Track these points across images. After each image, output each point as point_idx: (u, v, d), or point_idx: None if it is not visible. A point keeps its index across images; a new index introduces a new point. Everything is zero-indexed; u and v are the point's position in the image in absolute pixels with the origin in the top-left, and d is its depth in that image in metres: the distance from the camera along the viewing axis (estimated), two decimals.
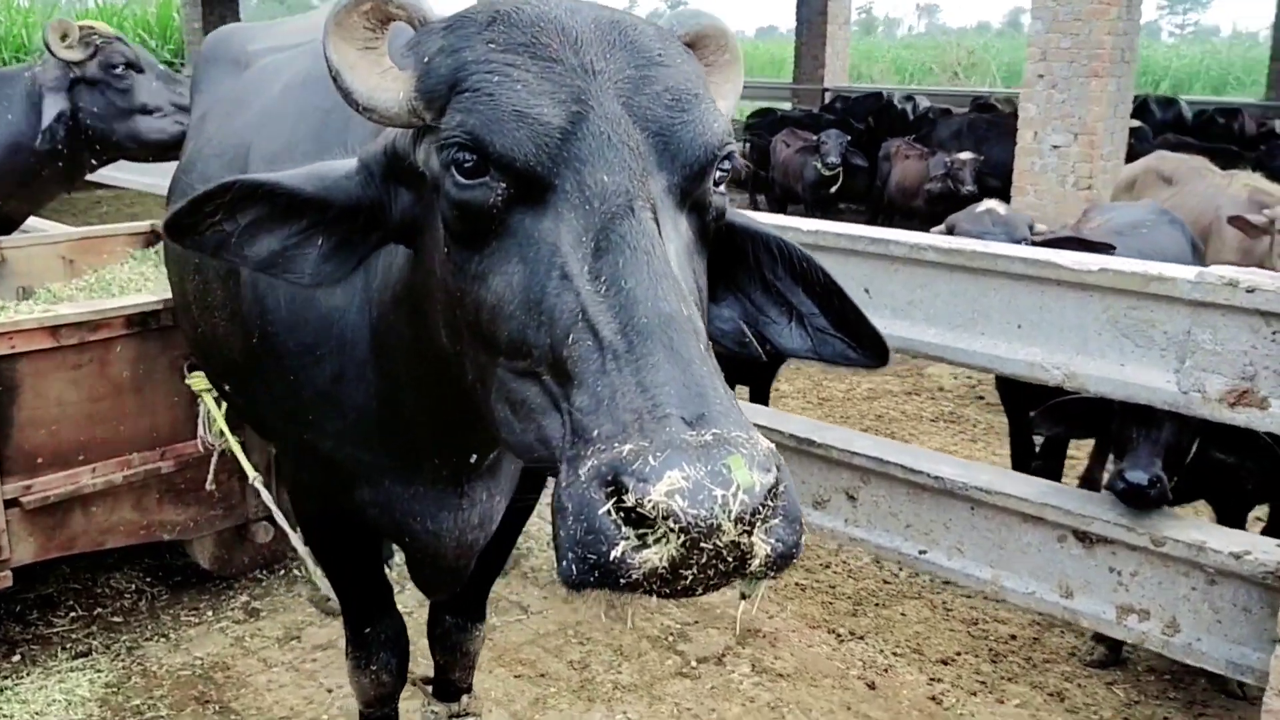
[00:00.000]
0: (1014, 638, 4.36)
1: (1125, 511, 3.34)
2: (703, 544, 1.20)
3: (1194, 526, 3.33)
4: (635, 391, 1.30)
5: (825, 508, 4.09)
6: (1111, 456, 3.67)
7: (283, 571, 4.65)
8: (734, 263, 1.86)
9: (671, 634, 4.22)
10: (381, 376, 2.23)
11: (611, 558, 1.21)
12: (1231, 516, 4.00)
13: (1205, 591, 3.24)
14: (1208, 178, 6.46)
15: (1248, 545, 3.16)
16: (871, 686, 3.93)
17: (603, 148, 1.47)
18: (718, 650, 4.12)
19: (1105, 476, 3.72)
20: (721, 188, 1.66)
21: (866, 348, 1.88)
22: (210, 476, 4.11)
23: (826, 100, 17.70)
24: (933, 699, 3.87)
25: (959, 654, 4.20)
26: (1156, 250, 4.63)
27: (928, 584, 4.73)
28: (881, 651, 4.18)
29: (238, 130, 2.84)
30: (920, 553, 3.83)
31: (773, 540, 1.25)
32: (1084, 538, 3.45)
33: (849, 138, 11.92)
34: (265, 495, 3.72)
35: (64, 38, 4.68)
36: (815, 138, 12.05)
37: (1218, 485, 3.84)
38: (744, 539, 1.22)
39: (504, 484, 2.53)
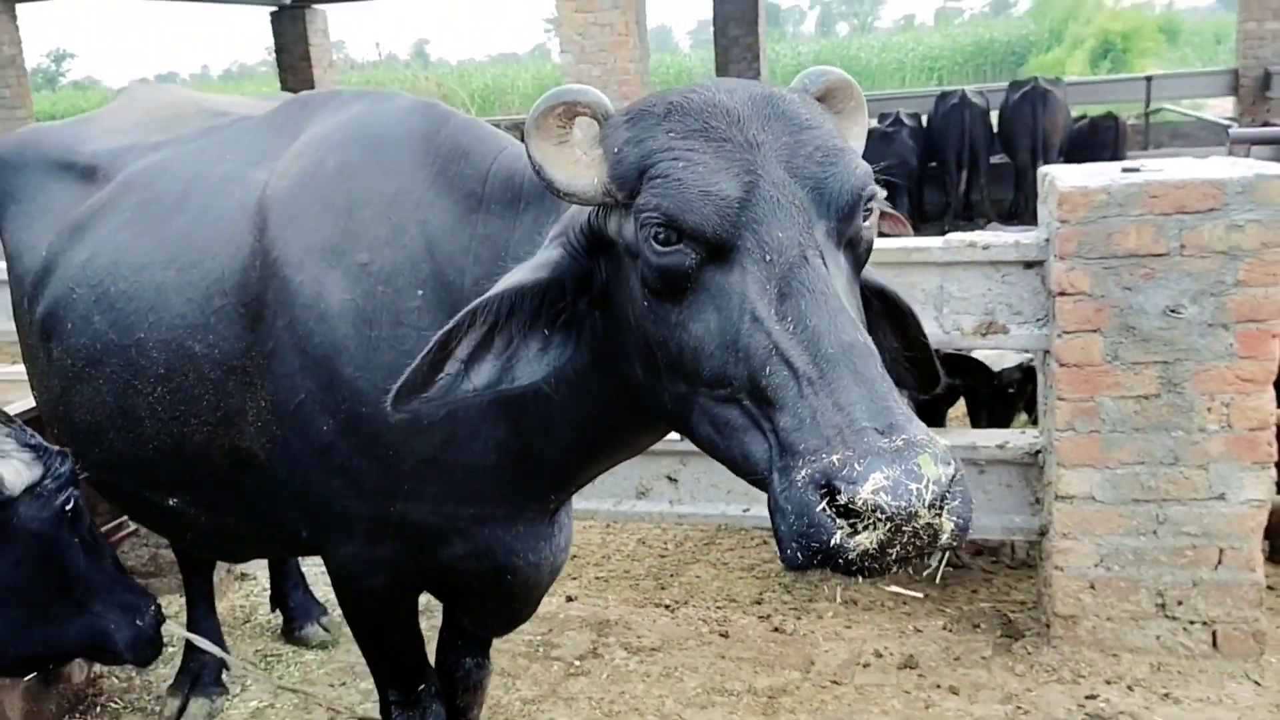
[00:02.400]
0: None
1: None
2: (904, 528, 1.52)
3: (964, 432, 4.36)
4: (833, 410, 1.61)
5: (649, 495, 4.61)
6: None
7: (98, 710, 4.16)
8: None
9: (539, 645, 4.48)
10: (511, 430, 2.38)
11: (831, 544, 1.53)
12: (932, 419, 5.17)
13: (977, 480, 4.27)
14: None
15: (1006, 438, 4.24)
16: (725, 635, 4.53)
17: (774, 209, 1.76)
18: (588, 647, 4.47)
19: None
20: (869, 223, 1.93)
21: (925, 380, 2.26)
22: None
23: None
24: (776, 630, 4.56)
25: (762, 593, 4.93)
26: None
27: (694, 548, 5.42)
28: (709, 608, 4.79)
29: (188, 232, 2.72)
30: (744, 510, 4.50)
31: (955, 518, 1.57)
32: None
33: None
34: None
35: None
36: None
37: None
38: (935, 520, 1.54)
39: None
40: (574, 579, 5.15)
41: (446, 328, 1.92)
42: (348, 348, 2.37)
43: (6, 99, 12.78)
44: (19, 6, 12.90)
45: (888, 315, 2.19)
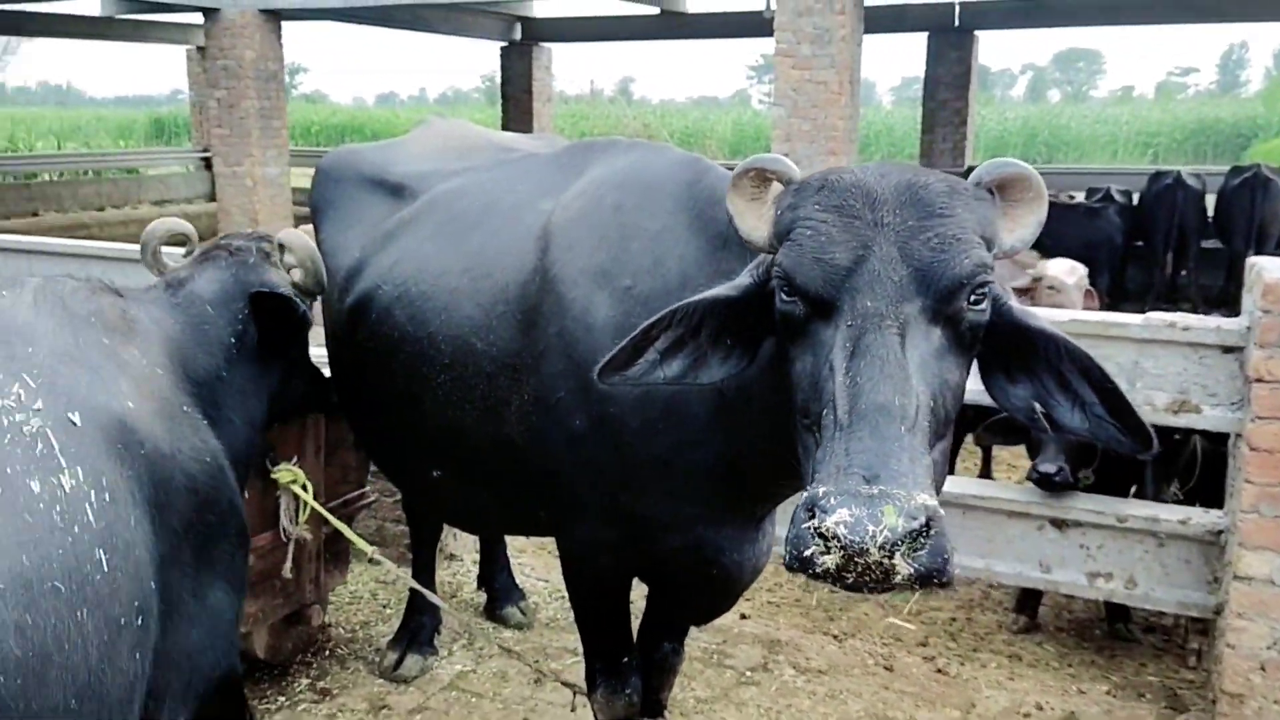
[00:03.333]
0: (954, 619, 5.38)
1: (1095, 499, 4.46)
2: (855, 560, 1.80)
3: (1147, 506, 4.50)
4: (842, 454, 1.91)
5: None
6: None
7: (327, 653, 4.76)
8: (1029, 353, 2.30)
9: (714, 653, 4.85)
10: (725, 440, 2.77)
11: (804, 555, 1.85)
12: (1118, 490, 5.27)
13: (1156, 553, 4.40)
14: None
15: (1188, 514, 4.36)
16: (889, 669, 4.78)
17: (872, 281, 2.03)
18: (759, 661, 4.80)
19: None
20: (981, 307, 2.12)
21: (1133, 435, 2.27)
22: (288, 564, 4.23)
23: None
24: (939, 671, 4.78)
25: (927, 638, 5.15)
26: None
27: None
28: (874, 644, 5.04)
29: (481, 248, 3.23)
30: None
31: (915, 565, 1.81)
32: (1060, 524, 4.53)
33: None
34: (390, 566, 3.99)
35: None
36: None
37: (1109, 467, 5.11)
38: (886, 560, 1.79)
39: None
40: (748, 600, 5.47)
41: (650, 320, 2.35)
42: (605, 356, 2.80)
43: (267, 109, 14.17)
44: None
45: (1082, 372, 2.30)
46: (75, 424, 2.27)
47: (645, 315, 2.77)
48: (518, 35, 19.37)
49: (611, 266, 2.88)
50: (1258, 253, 12.25)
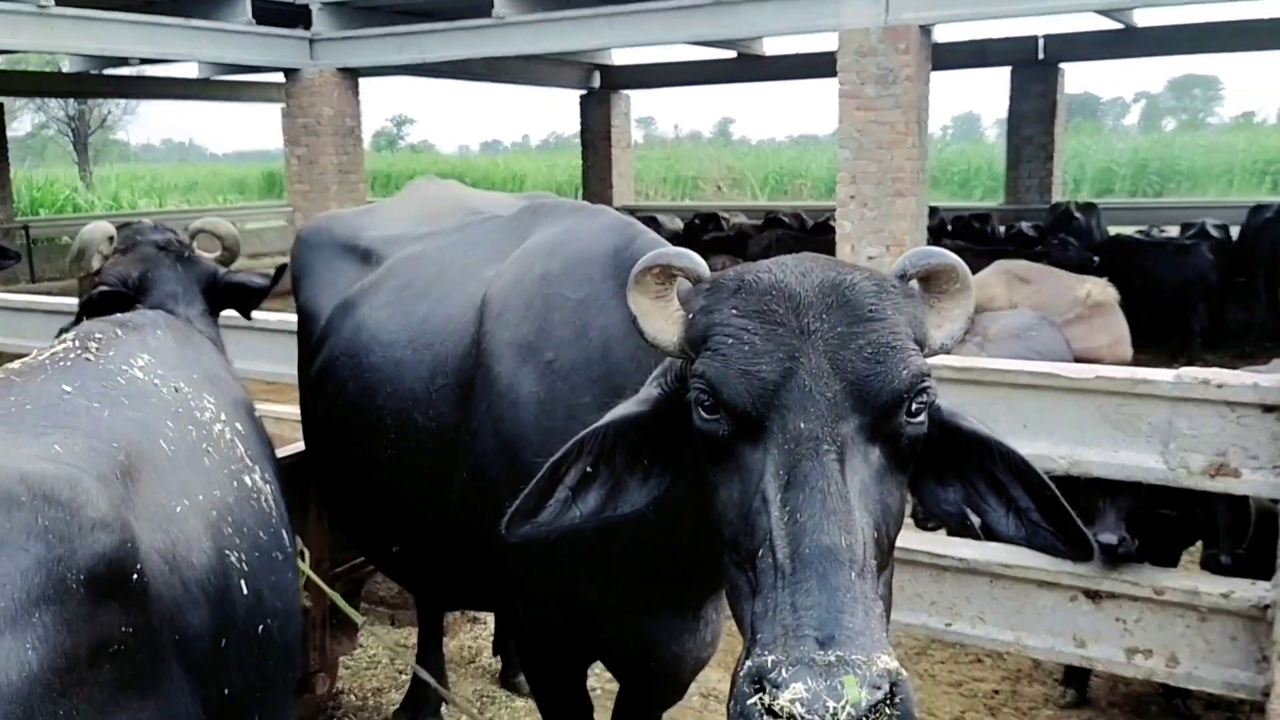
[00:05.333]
0: (997, 692, 5.05)
1: (1129, 569, 4.12)
2: None
3: (1185, 576, 4.15)
4: (788, 610, 1.67)
5: None
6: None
7: None
8: (961, 455, 2.12)
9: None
10: (655, 534, 2.53)
11: None
12: (1166, 558, 4.89)
13: (1199, 628, 4.04)
14: (1060, 278, 7.79)
15: (1232, 586, 4.00)
16: None
17: (804, 399, 1.81)
18: None
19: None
20: (919, 419, 1.93)
21: (1072, 544, 2.09)
22: None
23: None
24: None
25: (963, 712, 4.83)
26: (1045, 347, 5.67)
27: (903, 654, 5.36)
28: None
29: (426, 317, 3.15)
30: (946, 625, 4.46)
31: None
32: (1093, 595, 4.20)
33: None
34: (379, 637, 3.90)
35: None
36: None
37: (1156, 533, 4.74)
38: None
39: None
40: None
41: (555, 457, 2.10)
42: (529, 435, 2.69)
43: (345, 164, 14.53)
44: (363, 81, 14.69)
45: (1016, 475, 2.11)
46: (240, 430, 2.63)
47: (567, 389, 2.67)
48: (596, 83, 19.55)
49: (535, 339, 2.77)
50: None
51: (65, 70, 20.22)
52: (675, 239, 15.85)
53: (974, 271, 8.16)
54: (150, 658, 1.96)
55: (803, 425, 1.80)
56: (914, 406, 1.89)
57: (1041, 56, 16.07)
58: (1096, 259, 11.31)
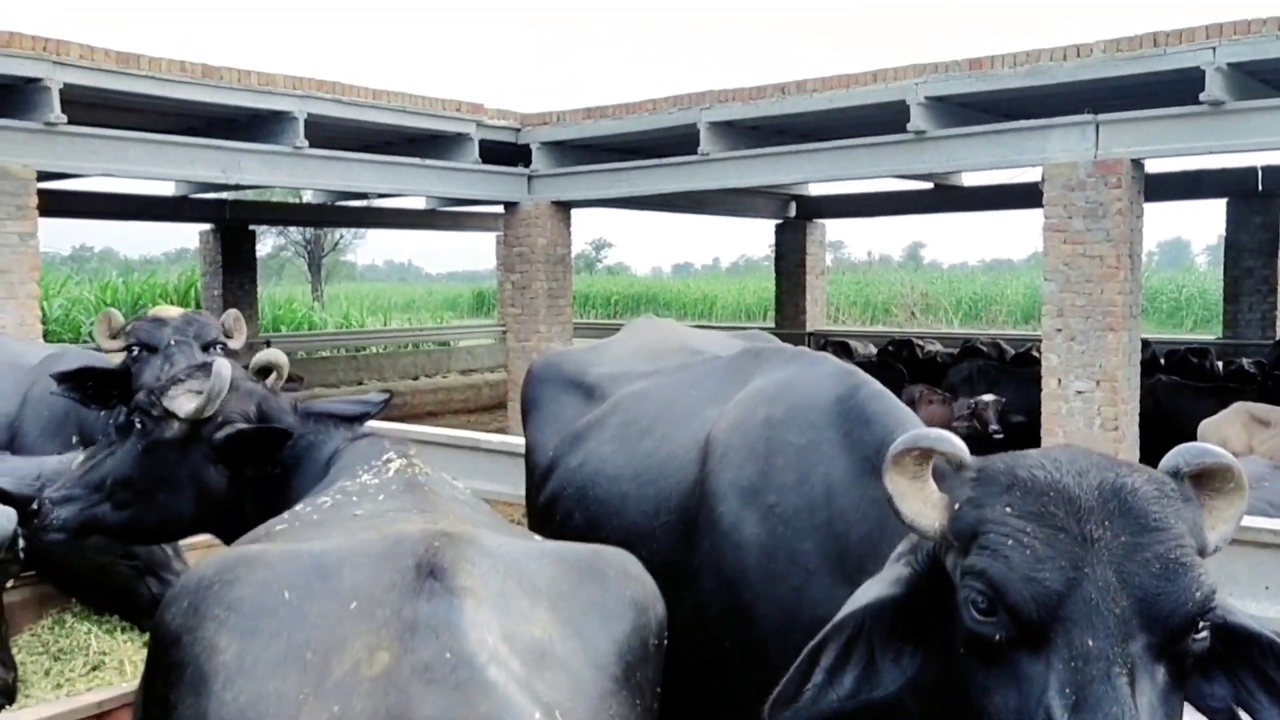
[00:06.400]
0: None
1: None
2: None
3: None
4: None
5: None
6: None
7: None
8: (1230, 649, 2.03)
9: None
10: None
11: None
12: None
13: None
14: None
15: None
16: None
17: (1091, 613, 1.76)
18: None
19: None
20: (1206, 634, 1.86)
21: None
22: None
23: (810, 345, 18.92)
24: None
25: None
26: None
27: None
28: None
29: (651, 453, 3.29)
30: None
31: None
32: None
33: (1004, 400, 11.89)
34: None
35: (109, 328, 5.03)
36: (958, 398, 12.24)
37: None
38: None
39: None
40: None
41: (814, 642, 2.04)
42: (751, 576, 2.74)
43: (554, 289, 15.34)
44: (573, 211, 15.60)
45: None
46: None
47: (789, 534, 2.72)
48: (792, 213, 19.99)
49: (758, 481, 2.84)
50: None
51: (307, 201, 22.33)
52: (869, 366, 15.87)
53: (1195, 409, 7.89)
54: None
55: (1091, 643, 1.76)
56: (1201, 625, 1.84)
57: (1260, 188, 15.47)
58: None
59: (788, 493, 2.76)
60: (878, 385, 2.94)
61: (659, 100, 13.56)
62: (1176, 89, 10.18)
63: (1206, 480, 1.98)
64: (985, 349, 15.84)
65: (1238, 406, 8.60)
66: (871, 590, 2.09)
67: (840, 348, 16.82)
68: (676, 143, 13.59)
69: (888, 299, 38.28)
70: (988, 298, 38.25)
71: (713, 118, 12.92)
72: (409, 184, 14.24)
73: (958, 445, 2.03)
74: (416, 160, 13.85)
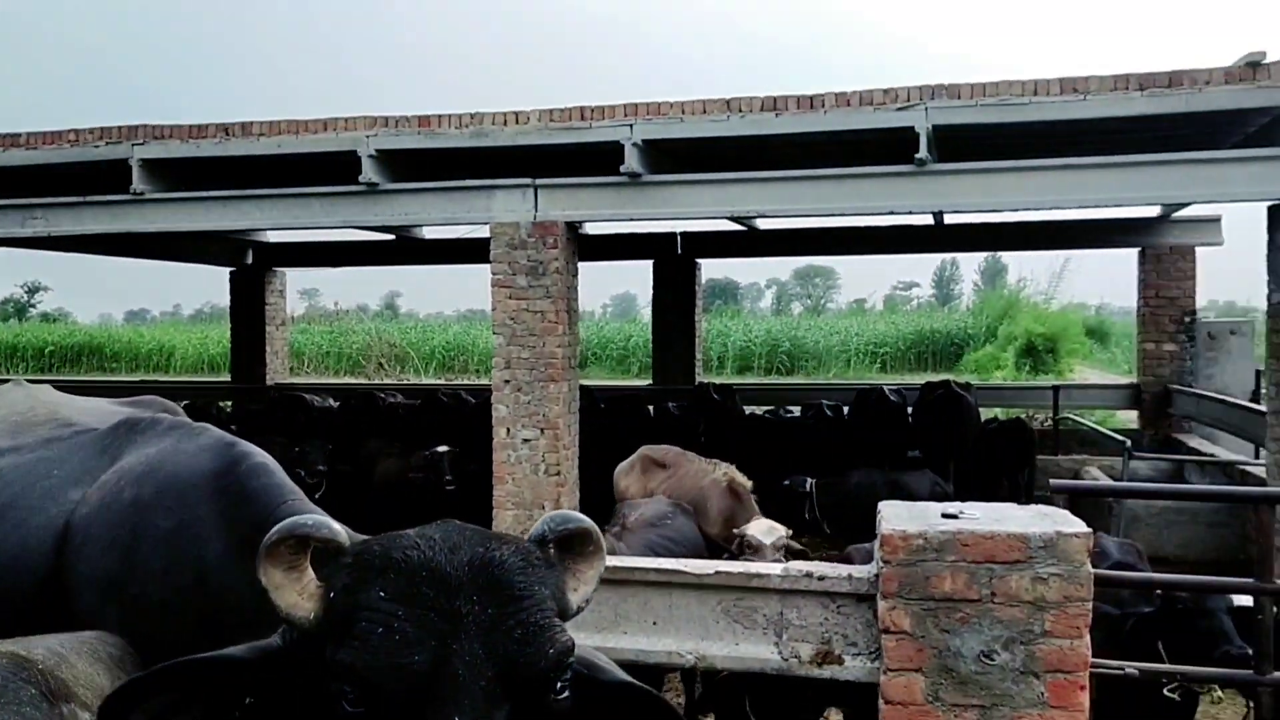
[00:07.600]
0: None
1: None
2: None
3: None
4: None
5: None
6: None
7: None
8: (602, 701, 2.14)
9: None
10: None
11: None
12: None
13: None
14: (694, 463, 8.24)
15: None
16: None
17: (457, 690, 1.80)
18: None
19: None
20: (567, 691, 1.97)
21: None
22: None
23: (271, 397, 18.04)
24: None
25: None
26: (680, 534, 5.99)
27: None
28: None
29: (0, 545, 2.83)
30: None
31: None
32: None
33: (330, 446, 12.22)
34: None
35: None
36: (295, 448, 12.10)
37: None
38: None
39: None
40: None
41: (135, 676, 1.93)
42: None
43: None
44: None
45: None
46: None
47: (152, 627, 2.49)
48: (249, 260, 19.02)
49: (119, 573, 2.59)
50: (957, 462, 13.14)
51: None
52: (328, 418, 15.43)
53: (627, 450, 8.35)
54: None
55: (457, 718, 1.78)
56: (559, 685, 1.92)
57: (680, 251, 17.49)
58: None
59: (152, 582, 2.55)
60: (261, 458, 2.78)
61: (83, 131, 12.16)
62: (609, 159, 11.11)
63: (568, 544, 2.11)
64: (447, 399, 16.11)
65: (642, 451, 9.45)
66: (227, 650, 2.01)
67: (296, 402, 16.17)
68: (108, 180, 12.25)
69: (360, 350, 37.96)
70: (459, 347, 39.41)
71: (147, 154, 11.83)
72: None
73: (335, 531, 1.99)
74: None
